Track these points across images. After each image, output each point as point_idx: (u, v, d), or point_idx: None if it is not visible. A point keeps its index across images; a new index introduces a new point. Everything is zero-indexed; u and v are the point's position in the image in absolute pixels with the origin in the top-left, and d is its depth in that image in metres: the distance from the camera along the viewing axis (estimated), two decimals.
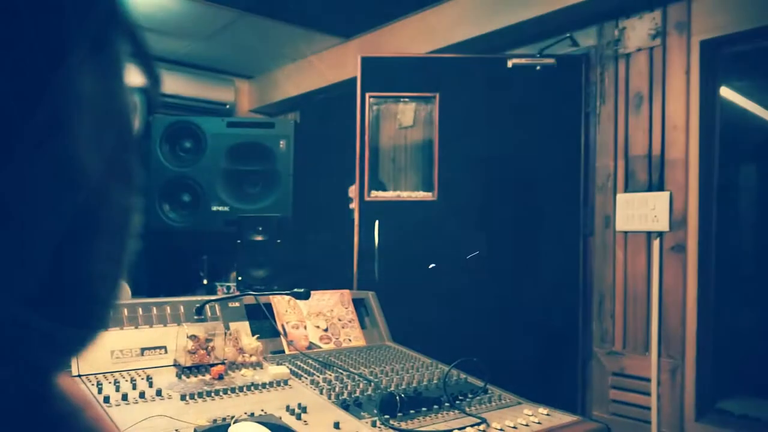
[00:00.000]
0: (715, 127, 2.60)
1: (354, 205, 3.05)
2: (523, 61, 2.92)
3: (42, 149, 0.20)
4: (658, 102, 2.63)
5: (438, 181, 2.99)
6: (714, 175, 2.60)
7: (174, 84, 4.38)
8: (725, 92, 2.76)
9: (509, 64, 2.93)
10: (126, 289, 2.25)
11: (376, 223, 2.99)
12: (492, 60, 3.00)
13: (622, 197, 2.72)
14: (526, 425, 1.45)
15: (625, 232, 2.72)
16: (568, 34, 2.92)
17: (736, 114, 3.27)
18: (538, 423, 1.46)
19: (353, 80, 3.92)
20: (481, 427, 1.41)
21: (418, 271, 2.99)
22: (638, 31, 2.68)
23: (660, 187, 2.61)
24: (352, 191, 3.00)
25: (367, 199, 3.02)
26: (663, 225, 2.58)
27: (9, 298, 0.21)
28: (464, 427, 1.39)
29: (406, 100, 3.20)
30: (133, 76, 0.26)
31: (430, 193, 3.02)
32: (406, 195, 3.05)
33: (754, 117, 3.60)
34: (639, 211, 2.66)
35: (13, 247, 0.20)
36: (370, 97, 3.06)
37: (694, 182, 2.52)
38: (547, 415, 1.53)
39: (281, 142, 3.67)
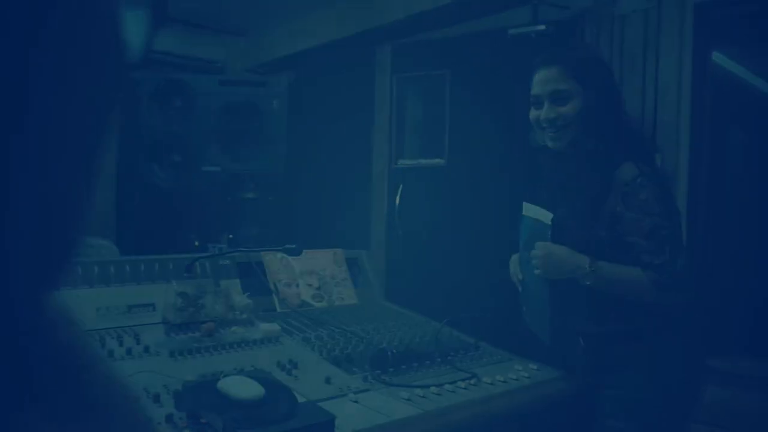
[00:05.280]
0: (706, 91, 2.59)
1: None
2: (520, 30, 3.00)
3: None
4: (652, 65, 2.60)
5: (448, 148, 3.30)
6: (705, 138, 2.60)
7: (164, 40, 4.28)
8: (718, 57, 2.74)
9: (508, 34, 3.01)
10: (113, 249, 2.23)
11: (400, 186, 3.44)
12: (494, 32, 3.15)
13: None
14: (516, 379, 1.45)
15: None
16: None
17: (727, 79, 3.25)
18: (528, 377, 1.47)
19: (350, 38, 3.87)
20: (472, 381, 1.42)
21: (431, 231, 3.24)
22: None
23: None
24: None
25: (394, 166, 3.56)
26: None
27: None
28: (455, 381, 1.39)
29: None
30: None
31: (441, 159, 3.34)
32: (425, 162, 3.45)
33: (746, 83, 3.61)
34: None
35: None
36: (397, 78, 3.59)
37: (684, 145, 2.52)
38: (537, 370, 1.53)
39: (274, 101, 3.60)
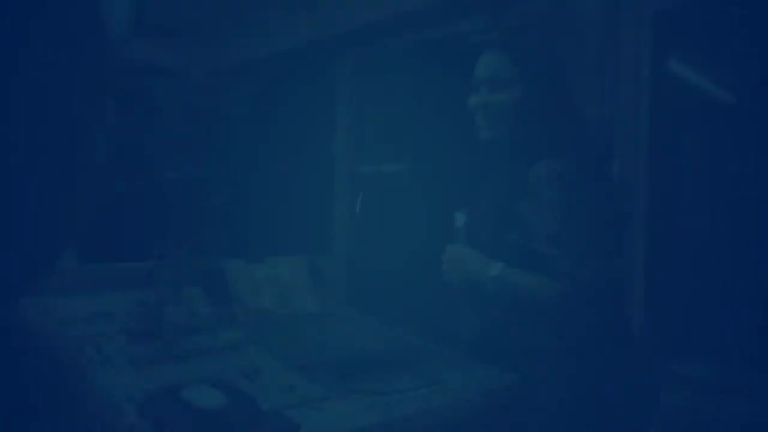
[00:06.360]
0: (664, 98, 2.67)
1: None
2: (482, 37, 3.06)
3: None
4: (612, 70, 2.67)
5: (410, 154, 3.34)
6: (664, 146, 2.68)
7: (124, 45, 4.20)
8: (675, 64, 2.83)
9: (470, 42, 3.07)
10: (71, 257, 2.18)
11: (361, 194, 3.47)
12: (454, 38, 3.15)
13: None
14: (477, 385, 1.48)
15: None
16: None
17: (685, 86, 3.35)
18: (489, 382, 1.50)
19: (312, 43, 3.86)
20: (434, 387, 1.44)
21: (394, 237, 3.25)
22: None
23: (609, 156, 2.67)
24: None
25: (356, 172, 3.58)
26: None
27: None
28: (418, 387, 1.41)
29: None
30: None
31: (403, 165, 3.38)
32: (387, 168, 3.46)
33: (702, 89, 3.72)
34: None
35: None
36: (359, 83, 3.59)
37: (644, 152, 2.60)
38: (499, 375, 1.56)
39: (236, 107, 3.59)
